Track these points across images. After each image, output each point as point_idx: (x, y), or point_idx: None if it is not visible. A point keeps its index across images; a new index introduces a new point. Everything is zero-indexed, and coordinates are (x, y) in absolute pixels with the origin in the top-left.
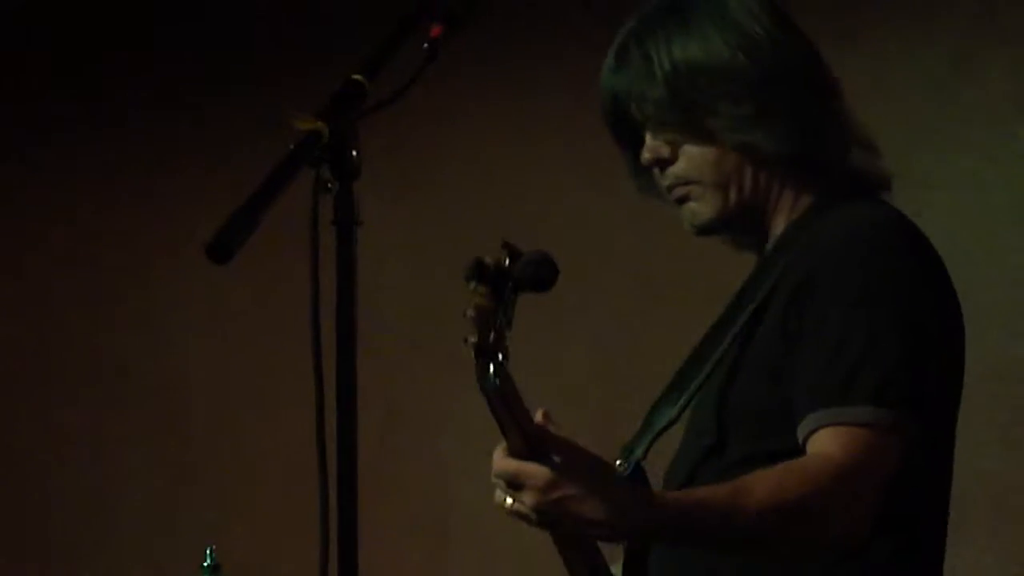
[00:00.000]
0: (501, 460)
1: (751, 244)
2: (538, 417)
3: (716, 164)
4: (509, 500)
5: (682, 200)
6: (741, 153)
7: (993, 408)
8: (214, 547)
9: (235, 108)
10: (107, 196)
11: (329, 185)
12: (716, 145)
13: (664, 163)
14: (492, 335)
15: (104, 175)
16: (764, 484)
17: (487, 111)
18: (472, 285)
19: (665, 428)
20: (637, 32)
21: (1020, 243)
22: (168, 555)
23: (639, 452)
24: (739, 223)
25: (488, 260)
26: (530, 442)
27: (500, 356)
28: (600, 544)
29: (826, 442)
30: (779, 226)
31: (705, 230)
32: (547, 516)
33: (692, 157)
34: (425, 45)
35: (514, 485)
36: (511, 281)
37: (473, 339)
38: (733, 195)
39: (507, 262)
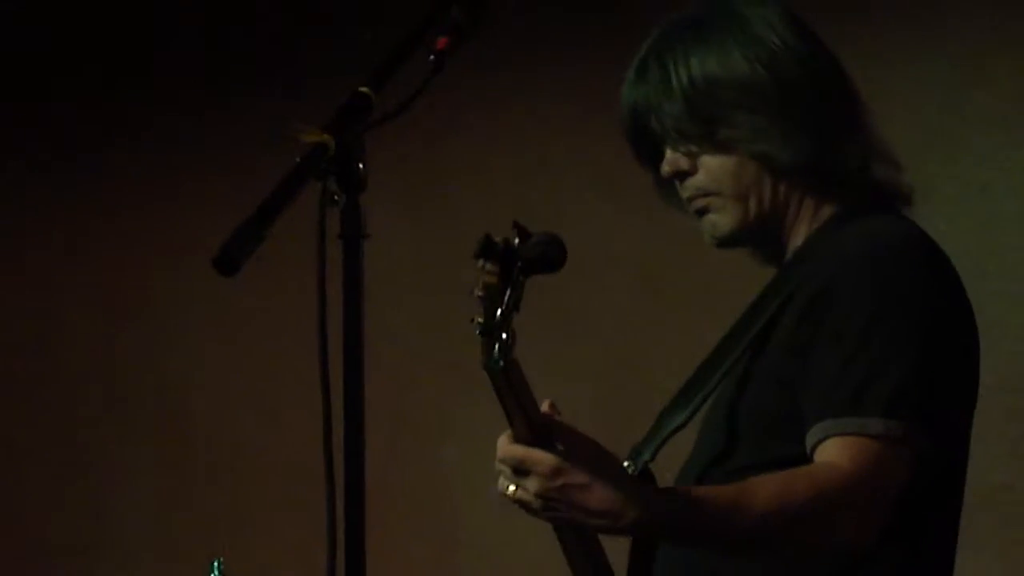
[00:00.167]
0: (506, 445)
1: (771, 257)
2: (544, 407)
3: (735, 175)
4: (512, 487)
5: (702, 212)
6: (760, 164)
7: (1002, 420)
8: (222, 560)
9: (242, 114)
10: (112, 206)
11: (336, 198)
12: (735, 156)
13: (683, 175)
14: (499, 314)
15: (110, 182)
16: (769, 486)
17: (492, 122)
18: (481, 263)
19: (674, 432)
20: (656, 46)
21: None
22: (174, 565)
23: (647, 455)
24: (759, 235)
25: (497, 238)
26: (535, 430)
27: (505, 336)
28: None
29: (834, 451)
30: (799, 238)
31: (725, 242)
32: (550, 504)
33: (711, 169)
34: (431, 57)
35: (519, 471)
36: (520, 260)
37: (479, 319)
38: (753, 206)
39: (516, 241)
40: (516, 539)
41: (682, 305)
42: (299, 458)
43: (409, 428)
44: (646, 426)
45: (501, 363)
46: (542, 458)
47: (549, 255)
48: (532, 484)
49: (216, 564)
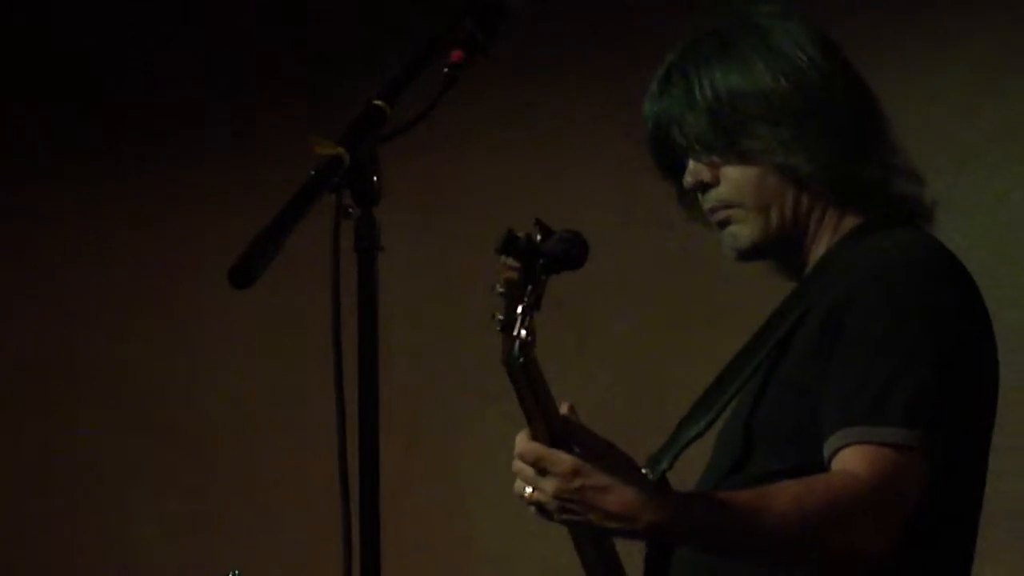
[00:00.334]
0: (526, 443)
1: (792, 271)
2: (563, 409)
3: (758, 186)
4: (529, 489)
5: (724, 224)
6: (782, 175)
7: (1017, 429)
8: (238, 572)
9: (258, 128)
10: (127, 218)
11: (350, 210)
12: (758, 167)
13: (705, 187)
14: (519, 310)
15: (125, 194)
16: (787, 493)
17: (508, 135)
18: (503, 258)
19: (692, 441)
20: (680, 60)
21: None
22: None
23: (665, 463)
24: (780, 247)
25: (520, 233)
26: (553, 431)
27: (525, 333)
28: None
29: (852, 460)
30: (820, 250)
31: (746, 254)
32: (567, 505)
33: (734, 180)
34: (445, 70)
35: (537, 470)
36: (542, 257)
37: (500, 316)
38: (775, 218)
39: (538, 238)
40: (530, 551)
41: (698, 317)
42: (314, 470)
43: (424, 441)
44: (662, 436)
45: (521, 359)
46: (560, 458)
47: (571, 252)
48: (549, 485)
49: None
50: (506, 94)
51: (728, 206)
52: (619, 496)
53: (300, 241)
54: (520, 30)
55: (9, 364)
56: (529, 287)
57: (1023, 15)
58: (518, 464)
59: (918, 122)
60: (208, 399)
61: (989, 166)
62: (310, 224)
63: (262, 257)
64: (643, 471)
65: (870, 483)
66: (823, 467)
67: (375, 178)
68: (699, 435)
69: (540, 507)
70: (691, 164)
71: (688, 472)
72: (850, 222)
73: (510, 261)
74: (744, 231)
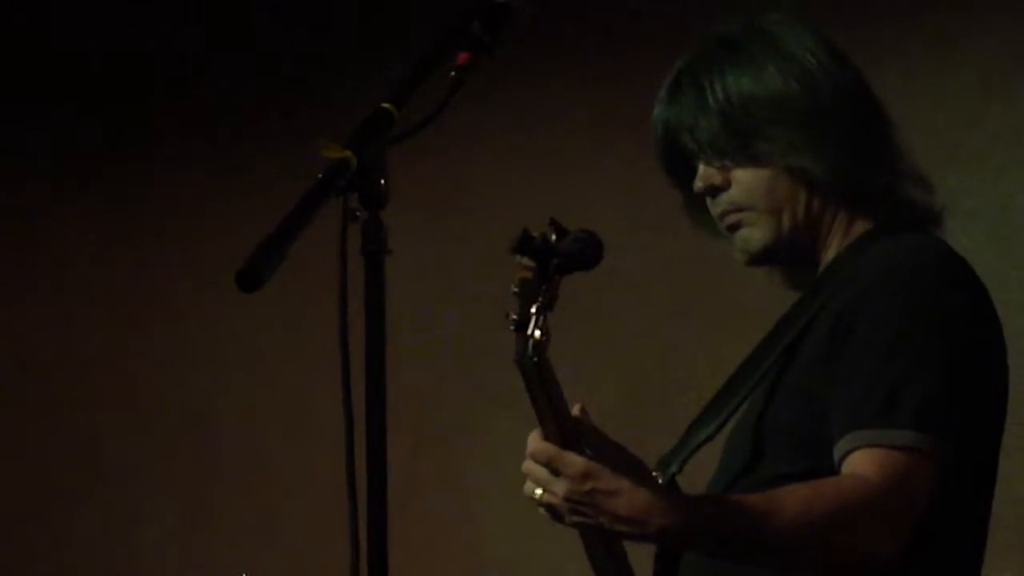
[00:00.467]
0: (538, 443)
1: (799, 277)
2: (575, 411)
3: (769, 189)
4: (539, 491)
5: (734, 227)
6: (794, 178)
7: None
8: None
9: (265, 132)
10: (136, 223)
11: (358, 214)
12: (769, 170)
13: (716, 190)
14: (534, 309)
15: (134, 200)
16: (796, 497)
17: (515, 138)
18: (518, 258)
19: (702, 444)
20: (690, 65)
21: None
22: None
23: (675, 466)
24: (791, 251)
25: (535, 233)
26: (565, 432)
27: (539, 333)
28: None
29: (862, 463)
30: (831, 254)
31: (757, 257)
32: (577, 508)
33: (745, 183)
34: (452, 73)
35: (549, 471)
36: (557, 257)
37: (514, 315)
38: (787, 221)
39: (553, 238)
40: (537, 554)
41: (708, 320)
42: (322, 475)
43: (431, 443)
44: (671, 439)
45: (535, 359)
46: (572, 461)
47: (586, 252)
48: (560, 487)
49: None
50: (512, 97)
51: (739, 209)
52: (630, 500)
53: (307, 244)
54: (521, 31)
55: (12, 365)
56: (543, 287)
57: None
58: (529, 465)
59: (923, 126)
60: (215, 402)
61: (995, 169)
62: (317, 227)
63: (270, 260)
64: (653, 475)
65: (880, 486)
66: (833, 470)
67: (382, 181)
68: (709, 439)
69: (550, 509)
70: (701, 168)
71: (698, 475)
72: (860, 227)
73: (525, 261)
74: (756, 234)
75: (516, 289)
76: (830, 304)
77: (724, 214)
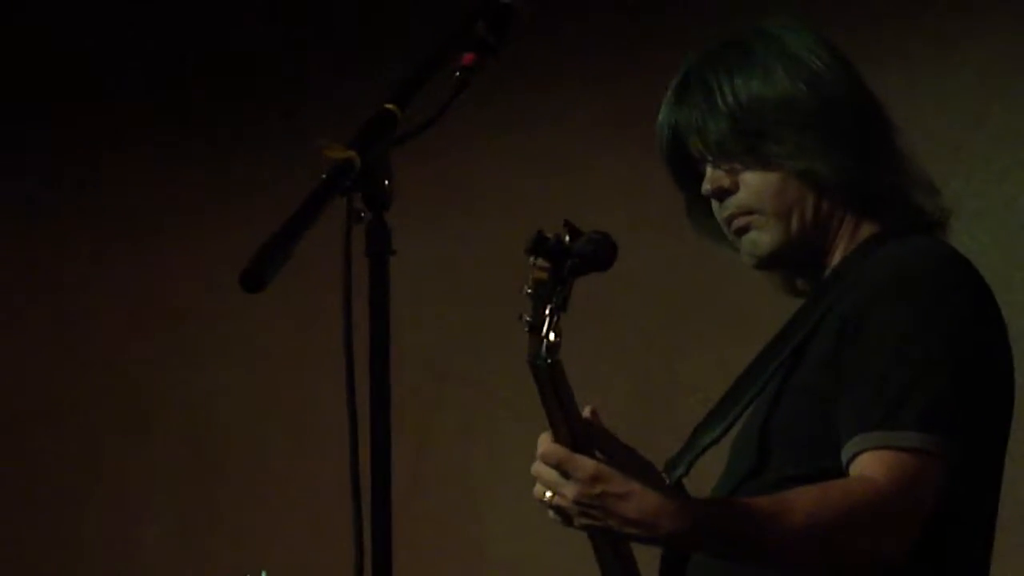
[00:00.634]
0: (548, 445)
1: (804, 282)
2: (586, 412)
3: (778, 192)
4: (549, 493)
5: (742, 231)
6: (803, 181)
7: None
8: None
9: (268, 133)
10: (138, 223)
11: (362, 215)
12: (778, 173)
13: (724, 193)
14: (548, 311)
15: (136, 199)
16: (804, 499)
17: (519, 140)
18: (531, 259)
19: (708, 447)
20: (698, 68)
21: None
22: None
23: (682, 469)
24: (799, 254)
25: (549, 234)
26: (576, 434)
27: (553, 335)
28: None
29: (870, 465)
30: (836, 258)
31: (765, 261)
32: (587, 511)
33: (754, 186)
34: (457, 73)
35: (559, 473)
36: (571, 258)
37: (528, 317)
38: (795, 224)
39: (567, 239)
40: (542, 554)
41: (711, 321)
42: (326, 475)
43: (435, 444)
44: (676, 440)
45: (549, 360)
46: (582, 463)
47: (600, 253)
48: (570, 490)
49: None
50: (513, 97)
51: (748, 212)
52: (639, 503)
53: (311, 245)
54: (522, 31)
55: (12, 366)
56: (557, 288)
57: None
58: (539, 467)
59: (925, 128)
60: (217, 402)
61: (998, 171)
62: (321, 228)
63: (273, 261)
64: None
65: (888, 488)
66: (840, 473)
67: (386, 182)
68: (715, 441)
69: (560, 511)
70: (709, 171)
71: (704, 477)
72: (866, 230)
73: (540, 262)
74: (764, 237)
75: (530, 290)
76: (837, 307)
77: (732, 217)
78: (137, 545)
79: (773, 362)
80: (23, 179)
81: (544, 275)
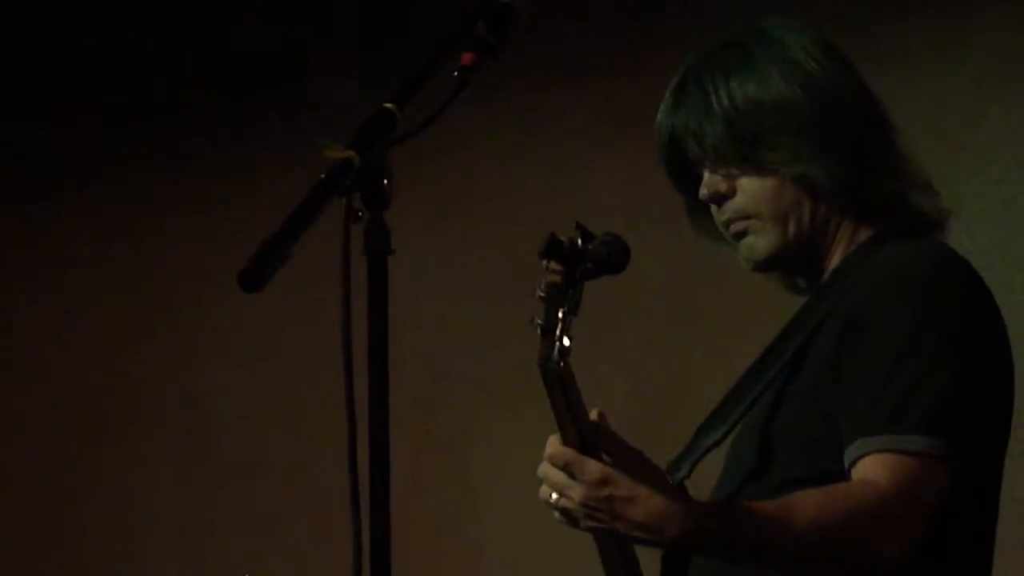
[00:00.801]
0: (556, 447)
1: (803, 283)
2: (593, 415)
3: (775, 198)
4: (555, 495)
5: (740, 235)
6: (799, 186)
7: None
8: None
9: (267, 133)
10: (137, 223)
11: (360, 214)
12: (775, 178)
13: (722, 198)
14: (561, 314)
15: (135, 199)
16: (809, 503)
17: (518, 139)
18: (546, 262)
19: (710, 449)
20: (695, 70)
21: None
22: None
23: (684, 471)
24: (797, 258)
25: (563, 237)
26: (584, 437)
27: (565, 339)
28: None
29: (873, 468)
30: (835, 261)
31: (762, 265)
32: (594, 513)
33: (751, 191)
34: (456, 73)
35: (566, 475)
36: (584, 261)
37: (539, 320)
38: (792, 229)
39: (580, 242)
40: (542, 554)
41: (715, 324)
42: (324, 475)
43: (435, 444)
44: (676, 441)
45: (560, 363)
46: (590, 466)
47: (614, 256)
48: (577, 492)
49: None
50: (513, 97)
51: (745, 217)
52: (646, 507)
53: (310, 244)
54: (522, 31)
55: (13, 368)
56: (570, 291)
57: None
58: (546, 468)
59: (925, 128)
60: (216, 402)
61: (997, 171)
62: (320, 227)
63: (272, 261)
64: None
65: (891, 492)
66: (842, 475)
67: (385, 181)
68: (717, 443)
69: (566, 513)
70: (707, 176)
71: (706, 479)
72: (865, 232)
73: (553, 265)
74: (761, 242)
75: (543, 294)
76: (837, 309)
77: (729, 222)
78: (137, 545)
79: (774, 364)
80: (23, 179)
81: (558, 278)
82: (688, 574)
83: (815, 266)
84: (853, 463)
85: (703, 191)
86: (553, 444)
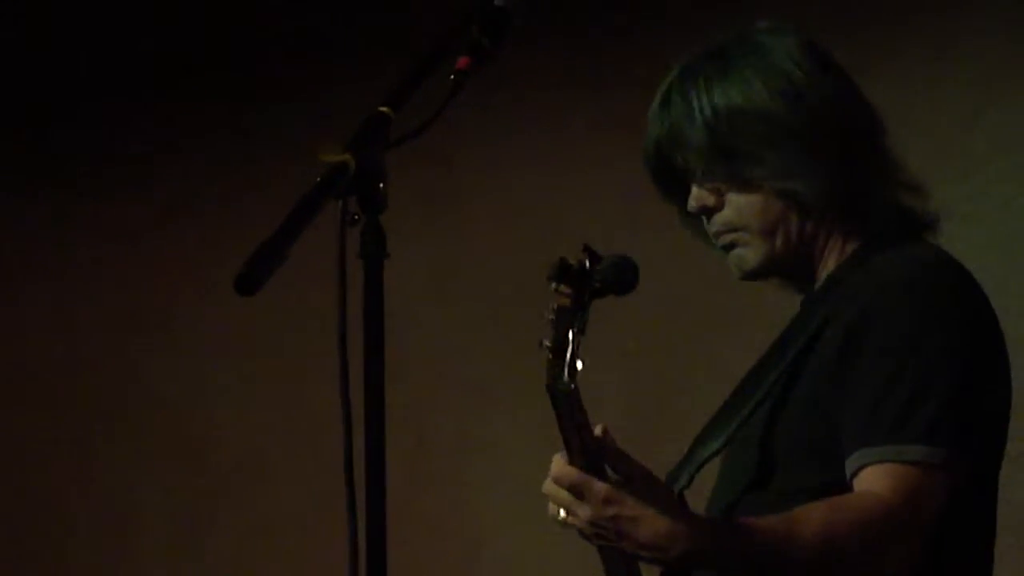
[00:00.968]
0: (562, 467)
1: (799, 286)
2: (597, 431)
3: (762, 212)
4: (563, 513)
5: (729, 247)
6: (785, 201)
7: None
8: None
9: (263, 136)
10: (133, 226)
11: (356, 217)
12: (761, 193)
13: (710, 211)
14: (571, 336)
15: (131, 203)
16: (815, 519)
17: (513, 142)
18: (554, 285)
19: (709, 459)
20: (679, 78)
21: None
22: None
23: (683, 482)
24: (786, 268)
25: (572, 260)
26: (589, 456)
27: (578, 362)
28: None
29: (875, 479)
30: (828, 269)
31: (751, 276)
32: (600, 532)
33: (737, 205)
34: (451, 77)
35: (574, 495)
36: (594, 283)
37: (548, 342)
38: (780, 242)
39: (588, 264)
40: (538, 553)
41: (712, 332)
42: (320, 479)
43: (430, 448)
44: (673, 448)
45: (572, 386)
46: (596, 486)
47: (623, 278)
48: (584, 512)
49: None
50: (511, 99)
51: (733, 230)
52: (651, 527)
53: (305, 248)
54: (517, 34)
55: (11, 371)
56: (579, 313)
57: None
58: (552, 487)
59: (920, 130)
60: (214, 403)
61: (993, 173)
62: (315, 231)
63: (267, 264)
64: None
65: (895, 503)
66: (843, 484)
67: (381, 184)
68: (715, 453)
69: (576, 530)
70: (695, 189)
71: (704, 490)
72: (856, 238)
73: (563, 288)
74: (750, 254)
75: (552, 316)
76: (835, 316)
77: (719, 234)
78: (133, 546)
79: (772, 371)
80: (23, 179)
81: (567, 301)
82: None
83: (807, 273)
84: (855, 473)
85: (692, 204)
86: (559, 464)
